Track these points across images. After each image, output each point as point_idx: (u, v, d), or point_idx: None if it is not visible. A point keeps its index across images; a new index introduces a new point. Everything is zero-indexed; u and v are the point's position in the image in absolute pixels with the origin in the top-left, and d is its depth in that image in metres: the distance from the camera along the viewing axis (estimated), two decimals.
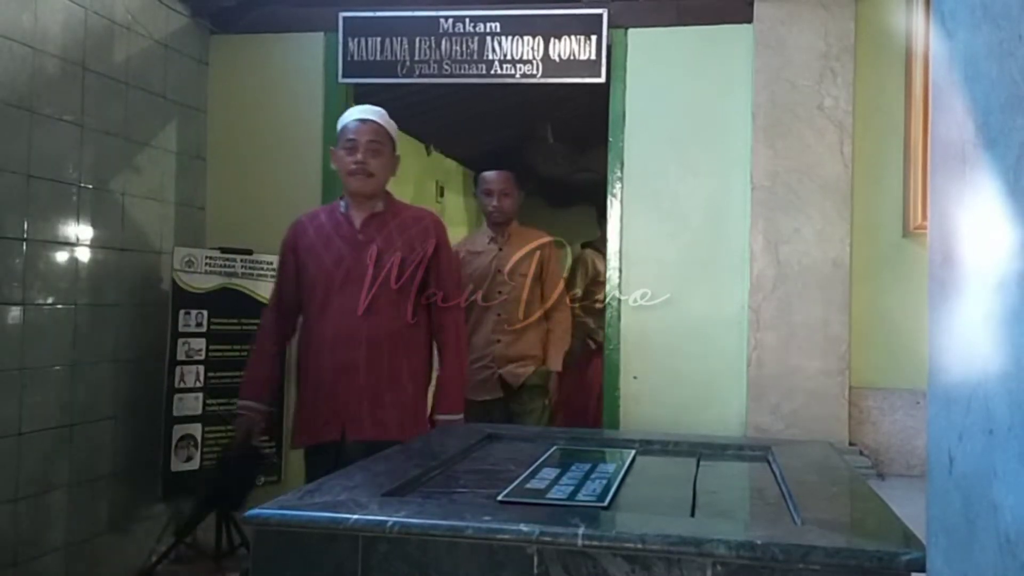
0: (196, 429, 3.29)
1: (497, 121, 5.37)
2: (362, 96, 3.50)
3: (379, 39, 3.51)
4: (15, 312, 2.69)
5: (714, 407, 3.27)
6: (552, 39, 3.41)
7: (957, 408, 0.90)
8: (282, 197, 3.52)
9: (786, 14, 3.22)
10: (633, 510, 1.52)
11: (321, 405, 2.57)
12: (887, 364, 3.18)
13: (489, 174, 3.62)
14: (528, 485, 1.58)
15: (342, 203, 2.68)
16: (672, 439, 2.19)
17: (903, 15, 3.21)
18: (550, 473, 1.68)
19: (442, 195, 6.45)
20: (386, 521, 1.26)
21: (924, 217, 3.11)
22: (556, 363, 3.51)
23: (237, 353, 3.31)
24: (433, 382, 2.80)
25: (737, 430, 3.20)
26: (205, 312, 3.32)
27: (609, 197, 3.43)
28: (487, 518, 1.26)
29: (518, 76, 3.44)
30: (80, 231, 2.96)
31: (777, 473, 1.78)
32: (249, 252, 3.45)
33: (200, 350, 3.31)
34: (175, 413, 3.24)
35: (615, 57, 3.41)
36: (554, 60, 3.41)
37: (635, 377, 3.35)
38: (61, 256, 2.88)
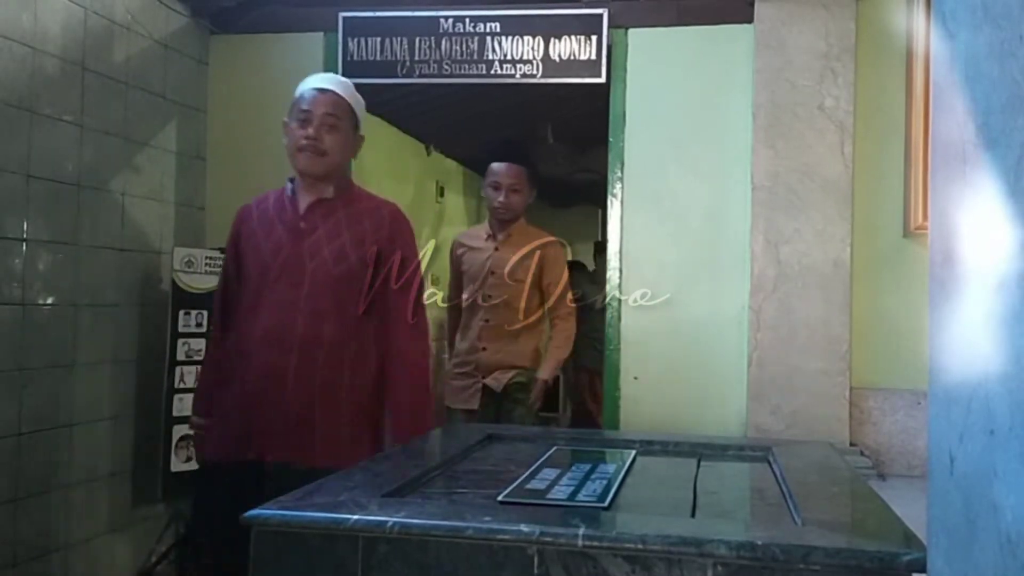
0: None
1: (497, 121, 5.36)
2: (362, 96, 3.48)
3: (379, 39, 3.51)
4: (15, 312, 2.69)
5: (714, 407, 3.27)
6: (552, 39, 3.40)
7: (958, 408, 0.90)
8: None
9: (787, 14, 3.22)
10: (633, 511, 1.52)
11: (236, 416, 2.19)
12: (888, 364, 3.18)
13: (499, 166, 3.35)
14: (528, 486, 1.58)
15: (290, 185, 2.34)
16: (672, 439, 2.18)
17: (904, 15, 3.21)
18: (550, 474, 1.68)
19: (442, 195, 6.46)
20: (386, 521, 1.26)
21: (925, 217, 3.11)
22: (547, 371, 3.31)
23: None
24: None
25: (737, 430, 3.20)
26: (205, 312, 3.31)
27: (609, 197, 3.42)
28: (487, 519, 1.26)
29: (518, 76, 3.44)
30: (80, 231, 2.96)
31: (778, 473, 1.78)
32: None
33: (200, 350, 3.30)
34: (175, 413, 3.24)
35: (615, 57, 3.41)
36: (554, 60, 3.40)
37: (635, 377, 3.34)
38: (61, 256, 2.88)
